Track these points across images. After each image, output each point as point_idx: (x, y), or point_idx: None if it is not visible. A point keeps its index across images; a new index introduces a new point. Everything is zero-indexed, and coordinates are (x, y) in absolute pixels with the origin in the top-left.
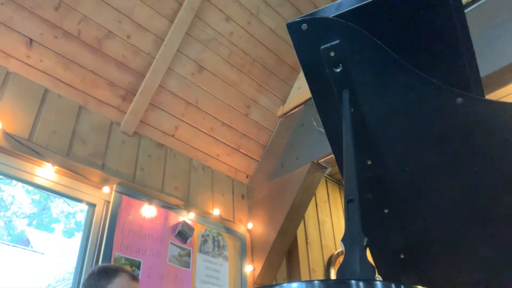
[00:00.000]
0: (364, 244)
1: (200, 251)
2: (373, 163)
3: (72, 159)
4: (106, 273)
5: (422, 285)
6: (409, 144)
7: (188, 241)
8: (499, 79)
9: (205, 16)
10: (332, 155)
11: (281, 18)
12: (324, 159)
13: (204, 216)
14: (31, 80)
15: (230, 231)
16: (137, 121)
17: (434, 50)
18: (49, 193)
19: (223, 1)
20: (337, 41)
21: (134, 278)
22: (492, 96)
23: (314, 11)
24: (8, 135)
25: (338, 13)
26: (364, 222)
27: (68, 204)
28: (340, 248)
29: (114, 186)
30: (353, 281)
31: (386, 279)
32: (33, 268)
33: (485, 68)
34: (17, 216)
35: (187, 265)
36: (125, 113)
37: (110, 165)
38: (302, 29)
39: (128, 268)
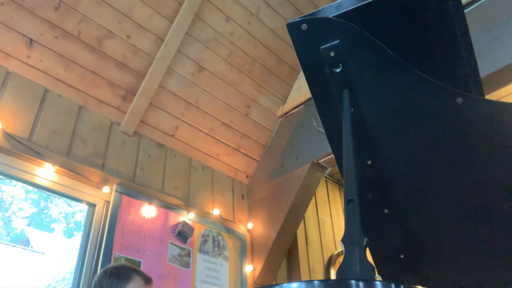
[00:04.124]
0: (364, 244)
1: (200, 251)
2: (373, 163)
3: (72, 159)
4: (118, 276)
5: (422, 285)
6: (409, 144)
7: (188, 241)
8: (499, 79)
9: (205, 16)
10: (332, 155)
11: (281, 18)
12: (324, 159)
13: (204, 216)
14: (31, 80)
15: (230, 231)
16: (137, 121)
17: (434, 50)
18: (49, 193)
19: (223, 1)
20: (337, 41)
21: (148, 281)
22: (492, 96)
23: (314, 11)
24: (8, 135)
25: (338, 13)
26: (364, 222)
27: (68, 204)
28: (340, 248)
29: (114, 186)
30: (353, 281)
31: (386, 279)
32: (33, 268)
33: (485, 68)
34: (17, 216)
35: (187, 265)
36: (125, 113)
37: (110, 165)
38: (302, 29)
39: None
